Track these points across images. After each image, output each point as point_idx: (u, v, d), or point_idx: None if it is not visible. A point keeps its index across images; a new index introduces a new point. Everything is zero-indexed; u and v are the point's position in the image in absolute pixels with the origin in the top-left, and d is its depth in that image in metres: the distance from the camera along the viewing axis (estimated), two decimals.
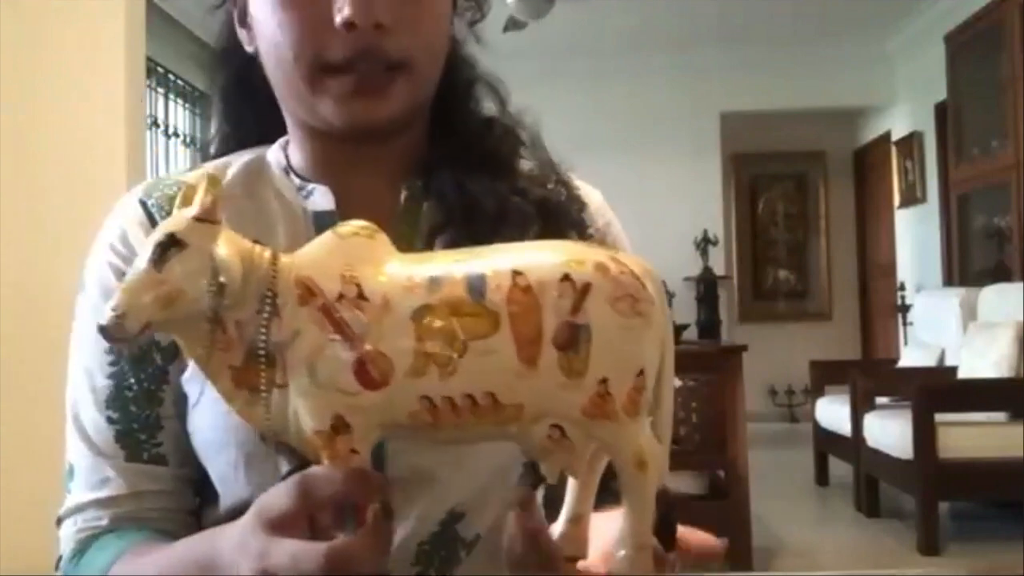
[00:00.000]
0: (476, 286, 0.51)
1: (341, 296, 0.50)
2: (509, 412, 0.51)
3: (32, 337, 1.88)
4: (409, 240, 0.81)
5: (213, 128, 0.94)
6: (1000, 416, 4.10)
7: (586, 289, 0.51)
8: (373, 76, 0.76)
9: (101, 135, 2.21)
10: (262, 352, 0.50)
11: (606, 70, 7.51)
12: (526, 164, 0.90)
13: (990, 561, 3.82)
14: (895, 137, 7.57)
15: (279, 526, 0.54)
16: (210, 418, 0.79)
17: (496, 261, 0.52)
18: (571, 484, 0.57)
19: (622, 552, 0.53)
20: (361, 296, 0.50)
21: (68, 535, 0.81)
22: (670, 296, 7.31)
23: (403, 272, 0.52)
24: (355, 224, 0.53)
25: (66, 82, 2.21)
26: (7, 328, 2.05)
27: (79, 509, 0.81)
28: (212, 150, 0.92)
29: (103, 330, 0.50)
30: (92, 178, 2.16)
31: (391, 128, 0.81)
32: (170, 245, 0.49)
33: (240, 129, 0.92)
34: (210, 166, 0.88)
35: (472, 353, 0.50)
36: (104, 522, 0.80)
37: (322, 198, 0.83)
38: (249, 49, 0.84)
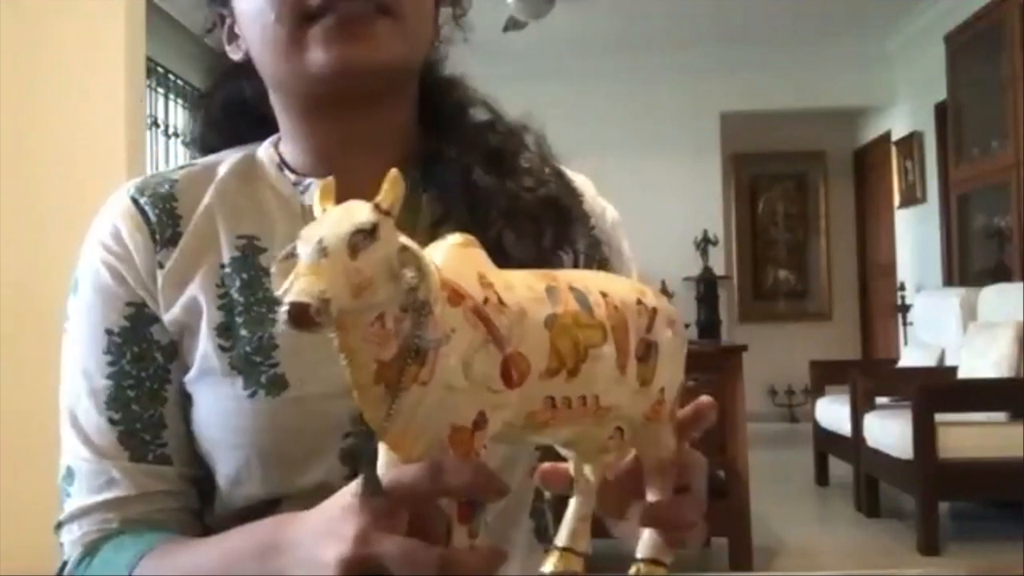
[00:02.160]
0: (583, 301, 0.57)
1: (486, 300, 0.53)
2: (601, 413, 0.58)
3: (32, 337, 1.88)
4: (409, 232, 0.81)
5: (193, 132, 0.94)
6: (1000, 416, 4.10)
7: (654, 312, 0.61)
8: (356, 14, 0.76)
9: (101, 135, 2.21)
10: (414, 349, 0.51)
11: (606, 70, 7.51)
12: (523, 161, 0.90)
13: (990, 561, 3.82)
14: (895, 137, 7.57)
15: (382, 514, 0.54)
16: (219, 418, 0.78)
17: (580, 281, 0.58)
18: (580, 489, 0.62)
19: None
20: (501, 302, 0.53)
21: (73, 540, 0.79)
22: (670, 296, 7.32)
23: (521, 283, 0.56)
24: (461, 236, 0.56)
25: (66, 82, 2.21)
26: (7, 328, 2.05)
27: (83, 513, 0.79)
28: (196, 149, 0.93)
29: (300, 312, 0.48)
30: (92, 178, 2.16)
31: (380, 80, 0.80)
32: (366, 235, 0.49)
33: (224, 134, 0.92)
34: (200, 163, 0.88)
35: (589, 359, 0.56)
36: (114, 525, 0.78)
37: None
38: (238, 57, 0.84)
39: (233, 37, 0.86)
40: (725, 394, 3.69)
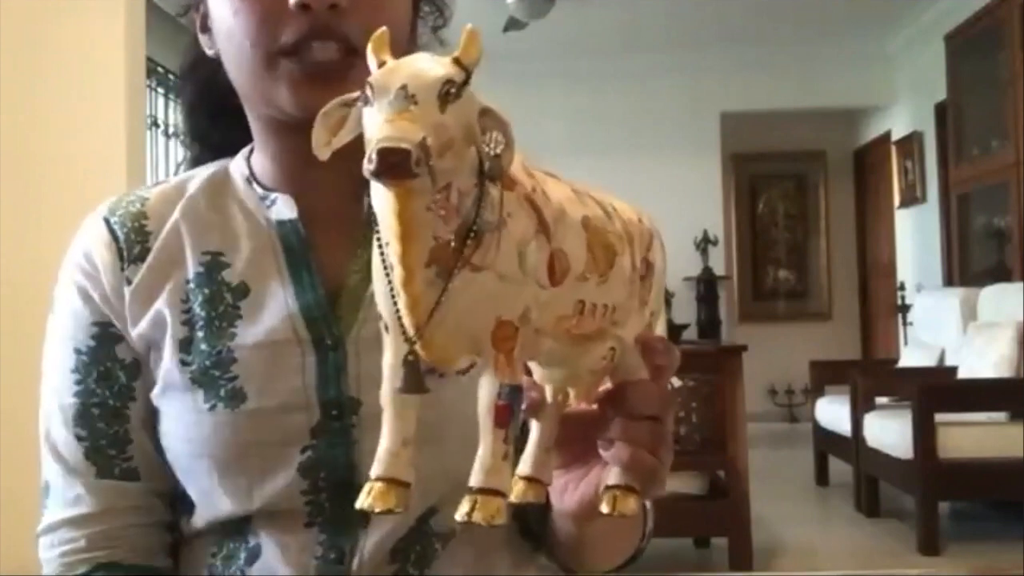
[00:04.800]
0: (604, 209, 0.54)
1: (534, 190, 0.49)
2: (610, 327, 0.55)
3: (31, 338, 1.88)
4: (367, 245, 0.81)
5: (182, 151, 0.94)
6: (1000, 416, 4.10)
7: (652, 233, 0.59)
8: (328, 60, 0.75)
9: (101, 135, 2.21)
10: (474, 229, 0.45)
11: (606, 70, 7.51)
12: None
13: (990, 561, 3.82)
14: (895, 137, 7.57)
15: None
16: (182, 432, 0.79)
17: (594, 192, 0.55)
18: (546, 416, 0.58)
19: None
20: (545, 195, 0.49)
21: (50, 557, 0.82)
22: (670, 296, 7.32)
23: (550, 180, 0.52)
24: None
25: (66, 82, 2.21)
26: (6, 328, 2.05)
27: (55, 528, 0.82)
28: (182, 169, 0.93)
29: (397, 159, 0.41)
30: (92, 178, 2.16)
31: None
32: (457, 88, 0.44)
33: (206, 145, 0.92)
34: (173, 181, 0.88)
35: (616, 268, 0.53)
36: (82, 543, 0.81)
37: (284, 207, 0.83)
38: (211, 52, 0.84)
39: (206, 28, 0.85)
40: (725, 394, 3.69)
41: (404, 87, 0.43)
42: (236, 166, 0.87)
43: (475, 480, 0.48)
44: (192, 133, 0.93)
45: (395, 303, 0.47)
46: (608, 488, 0.57)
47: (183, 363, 0.79)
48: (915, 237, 7.25)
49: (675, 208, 7.49)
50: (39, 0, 2.23)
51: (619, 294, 0.54)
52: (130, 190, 0.89)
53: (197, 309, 0.80)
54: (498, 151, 0.45)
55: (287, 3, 0.74)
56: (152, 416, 0.82)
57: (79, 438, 0.81)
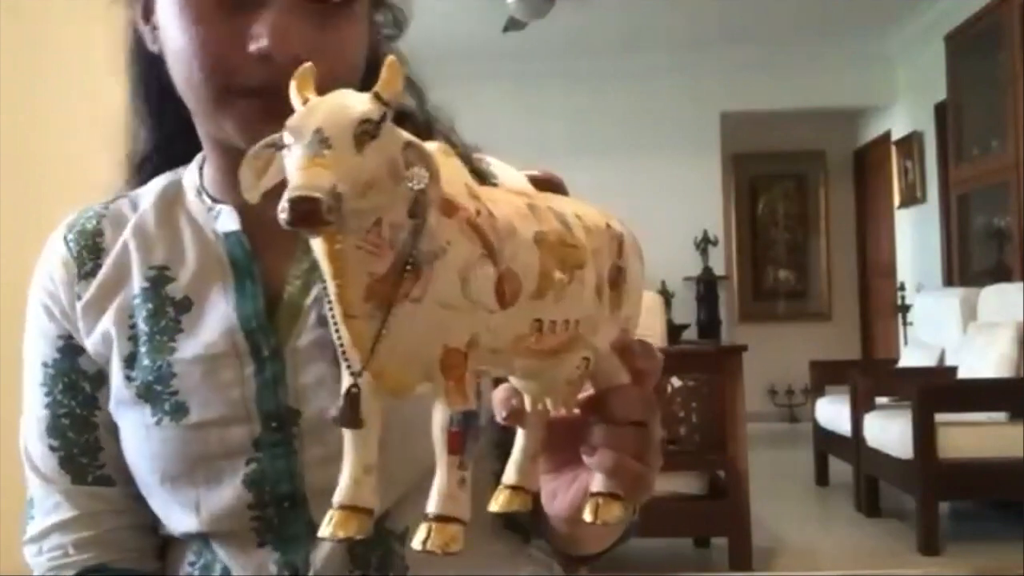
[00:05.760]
0: (562, 220, 0.53)
1: (478, 212, 0.48)
2: (578, 339, 0.54)
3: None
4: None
5: (136, 142, 0.90)
6: (1000, 416, 4.10)
7: (622, 237, 0.58)
8: (284, 103, 0.74)
9: (101, 135, 2.21)
10: (410, 262, 0.45)
11: (606, 70, 7.51)
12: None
13: (990, 561, 3.82)
14: (895, 137, 7.58)
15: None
16: (134, 446, 0.80)
17: (555, 203, 0.54)
18: (530, 424, 0.58)
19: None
20: (491, 215, 0.48)
21: (39, 562, 0.84)
22: (670, 296, 7.33)
23: (503, 198, 0.51)
24: (440, 144, 0.50)
25: (66, 82, 2.21)
26: (6, 328, 2.05)
27: (42, 536, 0.84)
28: (139, 170, 0.91)
29: (308, 208, 0.41)
30: (92, 178, 2.16)
31: None
32: (374, 127, 0.43)
33: (161, 133, 0.89)
34: (130, 195, 0.88)
35: (575, 281, 0.52)
36: (69, 548, 0.82)
37: (228, 218, 0.82)
38: (153, 48, 0.81)
39: (149, 20, 0.80)
40: (725, 394, 3.69)
41: (319, 130, 0.43)
42: (189, 176, 0.87)
43: (431, 507, 0.48)
44: (144, 120, 0.90)
45: (339, 338, 0.47)
46: (592, 495, 0.57)
47: (128, 379, 0.80)
48: (915, 237, 7.25)
49: (675, 208, 7.50)
50: (39, 0, 2.23)
51: (582, 306, 0.53)
52: (95, 202, 0.89)
53: (141, 324, 0.81)
54: (421, 186, 0.44)
55: (246, 43, 0.71)
56: (115, 426, 0.83)
57: (52, 448, 0.83)
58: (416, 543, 0.47)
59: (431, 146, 0.49)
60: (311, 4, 0.73)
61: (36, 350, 0.85)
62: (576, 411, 0.59)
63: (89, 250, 0.84)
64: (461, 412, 0.47)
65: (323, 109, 0.44)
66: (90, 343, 0.82)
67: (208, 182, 0.85)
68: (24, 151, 2.19)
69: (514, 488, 0.57)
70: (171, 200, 0.86)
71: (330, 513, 0.48)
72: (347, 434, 0.49)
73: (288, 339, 0.78)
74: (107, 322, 0.82)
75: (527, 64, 7.28)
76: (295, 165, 0.43)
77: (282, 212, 0.41)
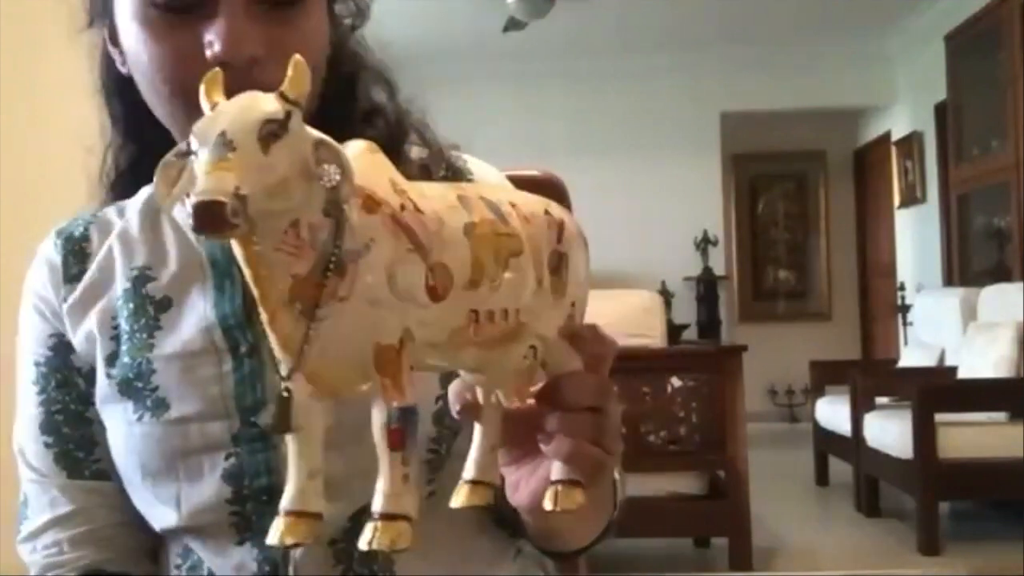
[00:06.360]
0: (496, 211, 0.53)
1: (403, 207, 0.48)
2: (520, 328, 0.54)
3: None
4: None
5: (111, 158, 0.92)
6: (1000, 416, 4.09)
7: (562, 224, 0.57)
8: None
9: (101, 135, 2.21)
10: (332, 261, 0.45)
11: (606, 70, 7.51)
12: (416, 152, 0.88)
13: (990, 561, 3.82)
14: (895, 137, 7.57)
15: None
16: (119, 441, 0.81)
17: (488, 193, 0.54)
18: (486, 418, 0.58)
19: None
20: (417, 209, 0.48)
21: (35, 559, 0.84)
22: (670, 296, 7.32)
23: (432, 191, 0.51)
24: (364, 142, 0.51)
25: (66, 82, 2.21)
26: (6, 327, 2.05)
27: (37, 533, 0.84)
28: (112, 188, 0.92)
29: (212, 212, 0.41)
30: (92, 178, 2.16)
31: None
32: (278, 126, 0.43)
33: (135, 152, 0.90)
34: (112, 208, 0.89)
35: (510, 270, 0.52)
36: (65, 545, 0.82)
37: None
38: (123, 70, 0.82)
39: (116, 43, 0.82)
40: (725, 394, 3.69)
41: (223, 133, 0.43)
42: None
43: (376, 505, 0.48)
44: (127, 135, 0.91)
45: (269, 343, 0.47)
46: (551, 483, 0.57)
47: (109, 376, 0.81)
48: (915, 237, 7.25)
49: (675, 208, 7.50)
50: (39, 1, 2.23)
51: (519, 295, 0.53)
52: (86, 209, 0.91)
53: (123, 324, 0.82)
54: (333, 183, 0.44)
55: (202, 51, 0.72)
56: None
57: (47, 445, 0.84)
58: (362, 543, 0.48)
59: (357, 144, 0.49)
60: (261, 4, 0.73)
61: (29, 350, 0.87)
62: (531, 402, 0.58)
63: (75, 255, 0.87)
64: (399, 408, 0.47)
65: (228, 112, 0.44)
66: (77, 343, 0.84)
67: None
68: (24, 151, 2.19)
69: (474, 483, 0.57)
70: (156, 207, 0.87)
71: (277, 520, 0.48)
72: (289, 440, 0.49)
73: (267, 336, 0.79)
74: (90, 323, 0.83)
75: (527, 64, 7.27)
76: (200, 170, 0.43)
77: (188, 218, 0.41)
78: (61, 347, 0.85)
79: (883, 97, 7.62)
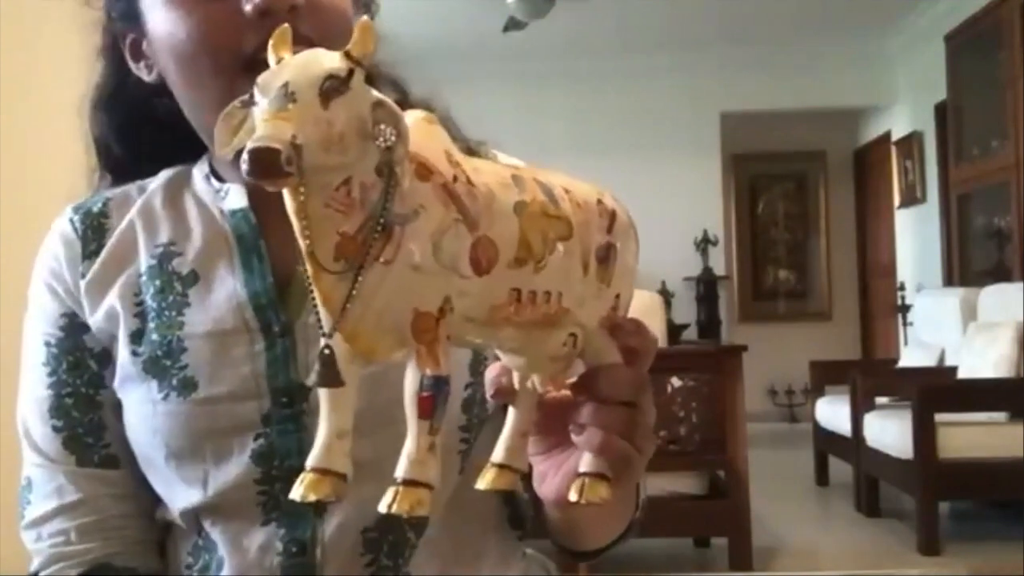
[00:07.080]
0: (548, 193, 0.53)
1: (455, 178, 0.48)
2: (561, 314, 0.53)
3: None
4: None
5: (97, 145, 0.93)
6: (1000, 416, 4.10)
7: (614, 214, 0.57)
8: None
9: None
10: (381, 222, 0.45)
11: (606, 70, 7.51)
12: None
13: (990, 561, 3.82)
14: (895, 137, 7.58)
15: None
16: (139, 422, 0.80)
17: (543, 176, 0.54)
18: (520, 402, 0.58)
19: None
20: (469, 182, 0.48)
21: (39, 548, 0.83)
22: (670, 296, 7.33)
23: (487, 167, 0.51)
24: (423, 112, 0.51)
25: (66, 82, 2.21)
26: (6, 327, 2.05)
27: (41, 521, 0.82)
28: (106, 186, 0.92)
29: (267, 158, 0.41)
30: (92, 178, 2.16)
31: None
32: (340, 83, 0.44)
33: (125, 172, 0.91)
34: (133, 186, 0.89)
35: (556, 253, 0.52)
36: (72, 535, 0.81)
37: (236, 196, 0.84)
38: (149, 78, 0.83)
39: (140, 55, 0.84)
40: (725, 394, 3.69)
41: (285, 85, 0.44)
42: (199, 167, 0.88)
43: (399, 471, 0.48)
44: (110, 159, 0.93)
45: (313, 298, 0.47)
46: (579, 475, 0.56)
47: (134, 354, 0.80)
48: (915, 237, 7.25)
49: (675, 208, 7.49)
50: (39, 1, 2.23)
51: (564, 280, 0.53)
52: (99, 190, 0.91)
53: (148, 300, 0.81)
54: (389, 144, 0.44)
55: (241, 11, 0.73)
56: (119, 406, 0.82)
57: (56, 429, 0.82)
58: (382, 506, 0.47)
59: (415, 113, 0.49)
60: None
61: (37, 331, 0.85)
62: (566, 391, 0.58)
63: (94, 230, 0.85)
64: (432, 377, 0.47)
65: (292, 65, 0.45)
66: (94, 321, 0.83)
67: (218, 167, 0.87)
68: (24, 151, 2.19)
69: (501, 467, 0.57)
70: (177, 184, 0.87)
71: (302, 475, 0.48)
72: (322, 398, 0.49)
73: (299, 315, 0.79)
74: (112, 299, 0.82)
75: (527, 64, 7.27)
76: (259, 118, 0.43)
77: (243, 163, 0.42)
78: (74, 327, 0.83)
79: (883, 97, 7.62)
